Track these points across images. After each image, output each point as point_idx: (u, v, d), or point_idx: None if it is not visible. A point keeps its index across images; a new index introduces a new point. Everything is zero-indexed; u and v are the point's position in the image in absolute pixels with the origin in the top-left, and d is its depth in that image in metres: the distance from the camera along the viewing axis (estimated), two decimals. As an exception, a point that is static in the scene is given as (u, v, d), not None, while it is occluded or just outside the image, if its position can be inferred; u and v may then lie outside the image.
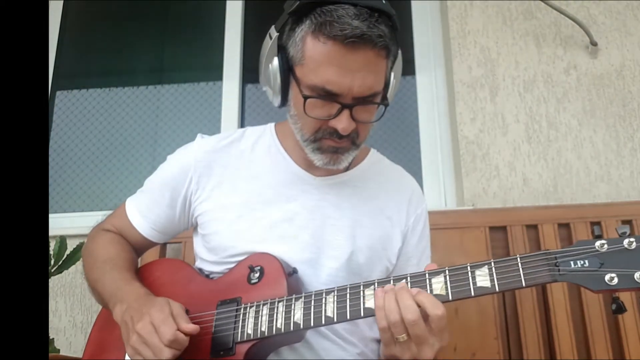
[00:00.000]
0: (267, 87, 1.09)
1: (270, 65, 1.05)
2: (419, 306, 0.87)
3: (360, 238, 1.14)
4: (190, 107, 2.40)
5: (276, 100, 1.08)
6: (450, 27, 2.13)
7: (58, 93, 2.46)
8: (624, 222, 1.72)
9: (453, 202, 2.04)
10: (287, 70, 1.04)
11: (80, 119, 2.42)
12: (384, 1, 1.00)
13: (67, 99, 2.45)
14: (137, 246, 1.25)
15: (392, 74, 1.06)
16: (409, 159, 2.16)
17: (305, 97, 1.00)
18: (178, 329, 0.95)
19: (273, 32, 1.04)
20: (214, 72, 2.37)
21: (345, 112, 1.00)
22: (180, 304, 1.00)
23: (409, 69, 2.24)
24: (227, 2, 2.43)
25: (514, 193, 1.92)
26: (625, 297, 1.62)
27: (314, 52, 0.99)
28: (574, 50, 2.06)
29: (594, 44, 2.02)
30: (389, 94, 1.07)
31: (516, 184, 1.93)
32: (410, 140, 2.20)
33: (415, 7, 2.32)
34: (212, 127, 2.30)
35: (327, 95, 0.99)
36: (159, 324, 0.95)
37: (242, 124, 2.27)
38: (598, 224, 1.71)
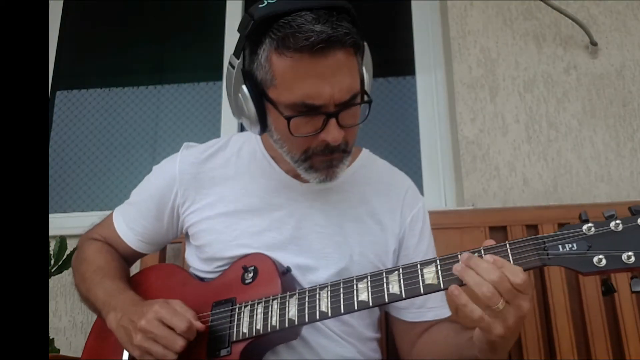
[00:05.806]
0: (242, 118, 1.05)
1: (239, 95, 1.01)
2: None
3: (349, 245, 1.12)
4: (190, 107, 2.40)
5: (255, 129, 1.05)
6: (450, 27, 2.12)
7: (58, 93, 2.46)
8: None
9: (453, 202, 2.04)
10: (260, 95, 0.99)
11: (80, 119, 2.42)
12: None
13: (67, 99, 2.45)
14: (126, 257, 1.25)
15: (364, 68, 1.02)
16: (409, 159, 2.16)
17: (288, 118, 0.96)
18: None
19: (234, 61, 1.00)
20: (214, 72, 2.37)
21: (332, 122, 0.97)
22: (179, 300, 1.01)
23: (409, 69, 2.24)
24: (227, 2, 2.43)
25: (514, 193, 1.92)
26: (625, 296, 1.62)
27: (284, 70, 0.95)
28: (574, 50, 2.06)
29: (594, 44, 2.02)
30: (367, 89, 1.03)
31: (516, 184, 1.93)
32: (411, 140, 2.20)
33: (415, 7, 2.31)
34: (212, 127, 2.30)
35: (309, 110, 0.96)
36: (168, 317, 0.96)
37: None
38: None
